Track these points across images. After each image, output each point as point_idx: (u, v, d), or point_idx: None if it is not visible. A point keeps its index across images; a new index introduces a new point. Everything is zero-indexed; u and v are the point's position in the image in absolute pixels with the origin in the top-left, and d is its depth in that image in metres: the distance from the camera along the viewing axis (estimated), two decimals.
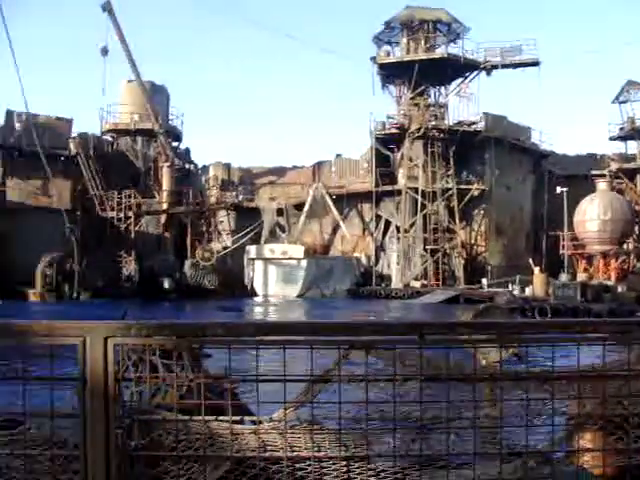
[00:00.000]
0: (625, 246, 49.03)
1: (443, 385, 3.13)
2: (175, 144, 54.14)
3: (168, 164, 49.96)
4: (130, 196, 47.74)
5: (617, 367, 3.28)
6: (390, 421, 3.10)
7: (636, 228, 50.35)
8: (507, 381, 3.26)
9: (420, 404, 3.08)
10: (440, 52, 51.27)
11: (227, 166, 57.28)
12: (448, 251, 49.29)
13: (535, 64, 50.38)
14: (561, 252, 49.18)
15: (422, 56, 50.26)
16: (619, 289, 39.16)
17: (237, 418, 3.41)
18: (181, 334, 2.96)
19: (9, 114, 48.31)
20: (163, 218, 49.65)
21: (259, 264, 47.81)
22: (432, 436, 3.44)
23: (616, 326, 3.22)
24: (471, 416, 3.08)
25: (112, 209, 47.52)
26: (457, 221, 49.33)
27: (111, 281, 44.60)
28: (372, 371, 3.21)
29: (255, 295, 46.95)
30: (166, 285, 44.90)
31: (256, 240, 50.86)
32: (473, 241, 50.99)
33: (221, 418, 3.34)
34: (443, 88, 53.31)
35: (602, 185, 48.28)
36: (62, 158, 46.85)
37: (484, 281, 46.01)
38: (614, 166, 53.64)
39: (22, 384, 3.10)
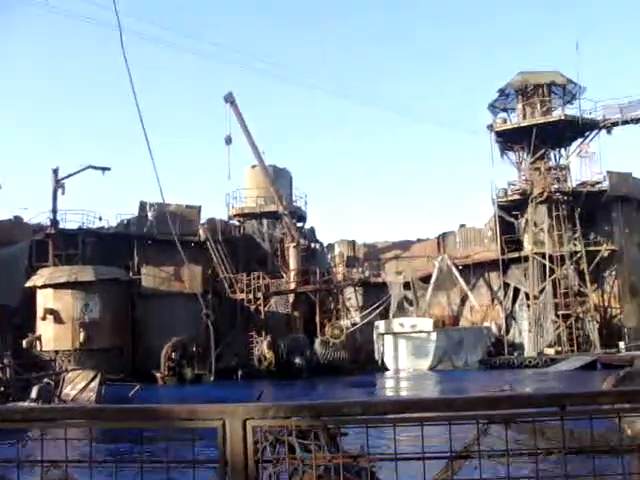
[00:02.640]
0: None
1: (588, 458, 3.02)
2: (300, 224, 55.00)
3: (294, 244, 50.74)
4: (259, 277, 48.57)
5: None
6: None
7: None
8: None
9: (565, 479, 2.98)
10: (557, 114, 50.61)
11: (352, 243, 57.83)
12: (581, 315, 47.74)
13: None
14: None
15: (539, 120, 49.81)
16: None
17: None
18: (319, 414, 2.97)
19: (142, 205, 50.70)
20: (291, 297, 50.19)
21: (389, 338, 47.52)
22: None
23: None
24: None
25: (242, 291, 48.41)
26: (588, 284, 47.88)
27: (243, 362, 45.26)
28: (512, 445, 3.13)
29: (386, 369, 46.58)
30: (297, 364, 45.12)
31: (384, 315, 50.71)
32: (606, 303, 49.30)
33: None
34: (563, 150, 52.48)
35: None
36: (192, 244, 48.34)
37: (621, 344, 44.34)
38: None
39: (165, 467, 3.18)
